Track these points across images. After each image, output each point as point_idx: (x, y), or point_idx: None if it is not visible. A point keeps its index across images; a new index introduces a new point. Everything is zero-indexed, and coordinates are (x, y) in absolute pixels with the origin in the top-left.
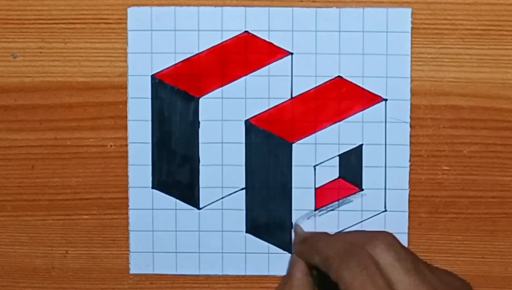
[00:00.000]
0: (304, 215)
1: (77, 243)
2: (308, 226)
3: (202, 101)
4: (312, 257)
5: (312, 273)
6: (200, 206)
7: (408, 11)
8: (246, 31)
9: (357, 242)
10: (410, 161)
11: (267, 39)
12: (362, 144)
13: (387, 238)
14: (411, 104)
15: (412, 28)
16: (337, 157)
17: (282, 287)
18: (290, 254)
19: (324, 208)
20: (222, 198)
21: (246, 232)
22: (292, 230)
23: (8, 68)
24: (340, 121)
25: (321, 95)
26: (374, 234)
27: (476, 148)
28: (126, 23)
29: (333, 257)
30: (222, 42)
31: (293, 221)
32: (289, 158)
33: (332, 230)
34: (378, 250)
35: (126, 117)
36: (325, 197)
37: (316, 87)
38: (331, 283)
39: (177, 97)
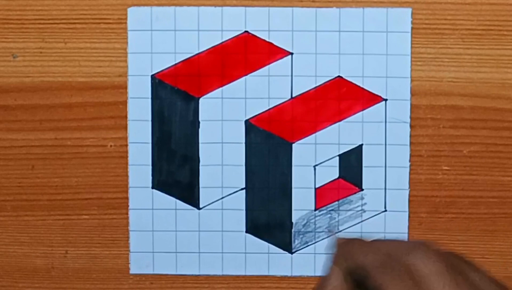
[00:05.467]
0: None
1: (77, 243)
2: (307, 226)
3: (202, 101)
4: (348, 263)
5: (349, 278)
6: (200, 206)
7: (408, 11)
8: (246, 31)
9: (398, 251)
10: (410, 161)
11: (267, 39)
12: (362, 144)
13: (429, 248)
14: (411, 104)
15: (412, 28)
16: (337, 157)
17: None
18: (290, 254)
19: (324, 208)
20: (222, 198)
21: (246, 232)
22: (330, 235)
23: (8, 68)
24: (340, 121)
25: (321, 95)
26: (415, 243)
27: (476, 148)
28: (126, 23)
29: (371, 266)
30: (222, 42)
31: (293, 221)
32: (289, 158)
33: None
34: (419, 261)
35: (126, 117)
36: (325, 197)
37: (316, 87)
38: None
39: (177, 97)
